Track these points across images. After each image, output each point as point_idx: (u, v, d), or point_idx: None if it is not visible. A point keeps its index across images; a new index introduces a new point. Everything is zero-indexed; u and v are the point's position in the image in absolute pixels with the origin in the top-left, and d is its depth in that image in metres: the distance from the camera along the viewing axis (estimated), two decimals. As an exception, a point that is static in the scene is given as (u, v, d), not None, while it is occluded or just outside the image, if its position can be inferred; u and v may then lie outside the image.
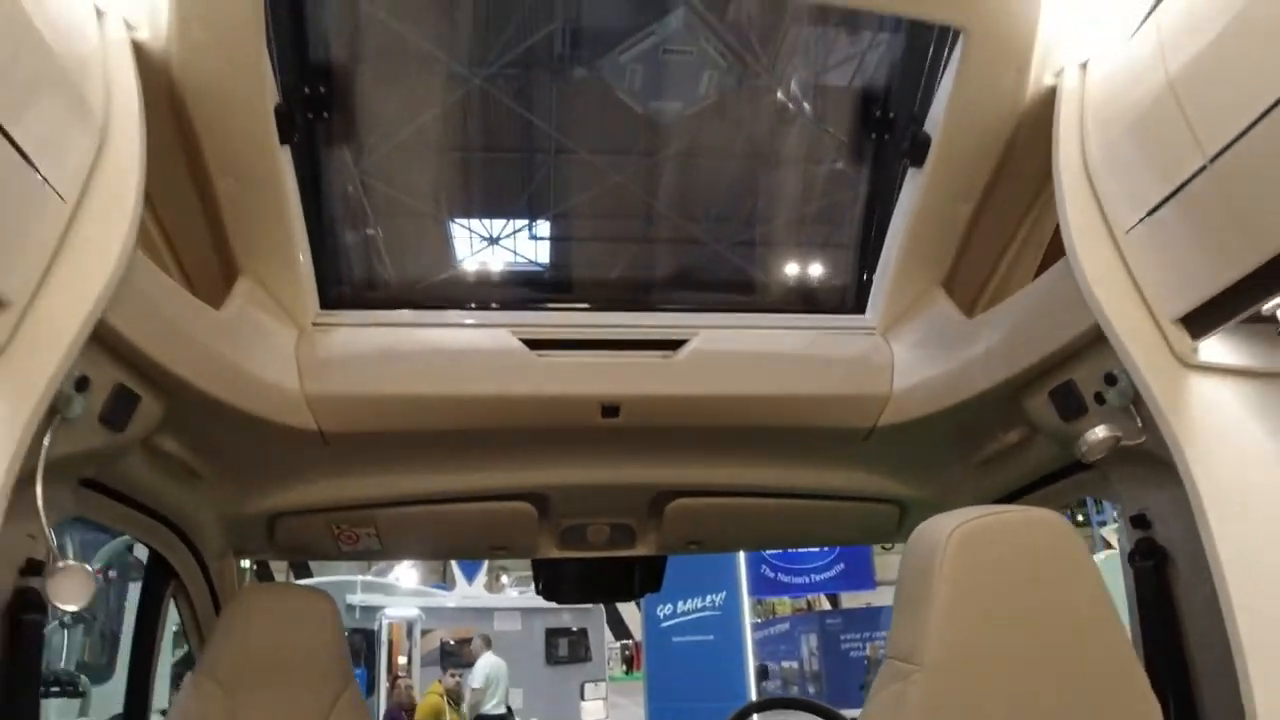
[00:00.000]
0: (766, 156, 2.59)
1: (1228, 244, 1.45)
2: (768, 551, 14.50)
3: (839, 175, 2.56)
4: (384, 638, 13.25)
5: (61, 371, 1.33)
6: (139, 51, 1.68)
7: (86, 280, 1.40)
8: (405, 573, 16.36)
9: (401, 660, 13.10)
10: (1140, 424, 1.63)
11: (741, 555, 11.27)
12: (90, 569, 1.42)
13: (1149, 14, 1.66)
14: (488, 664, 11.77)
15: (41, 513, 1.38)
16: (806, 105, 2.52)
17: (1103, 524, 12.19)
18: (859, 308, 2.43)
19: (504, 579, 19.48)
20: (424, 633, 14.12)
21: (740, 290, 2.59)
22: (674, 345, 2.16)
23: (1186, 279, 1.54)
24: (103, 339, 1.48)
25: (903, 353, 2.24)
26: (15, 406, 1.27)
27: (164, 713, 3.08)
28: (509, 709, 11.77)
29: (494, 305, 2.45)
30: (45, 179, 1.36)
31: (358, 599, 13.13)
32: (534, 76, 2.38)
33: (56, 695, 4.90)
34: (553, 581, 2.80)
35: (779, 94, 2.50)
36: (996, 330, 1.98)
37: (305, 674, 2.16)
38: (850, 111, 2.42)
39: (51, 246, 1.39)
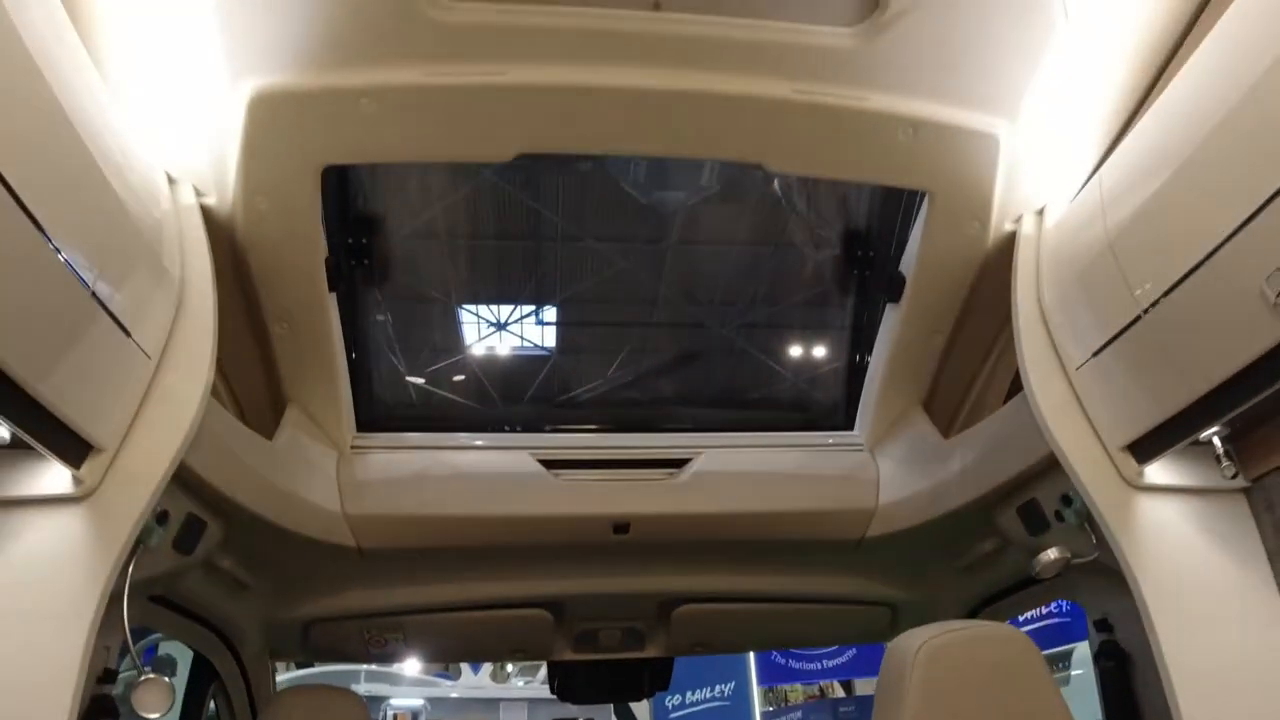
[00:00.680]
0: (762, 285, 2.86)
1: (1164, 382, 1.65)
2: (776, 640, 14.40)
3: (829, 302, 2.81)
4: (389, 730, 13.09)
5: (149, 509, 1.53)
6: (207, 215, 1.90)
7: (169, 428, 1.61)
8: (410, 661, 16.21)
9: (406, 754, 12.91)
10: (1094, 540, 1.82)
11: (750, 645, 11.22)
12: (168, 680, 1.60)
13: (1093, 171, 1.91)
14: None
15: (127, 630, 1.57)
16: (799, 238, 2.79)
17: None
18: (849, 423, 2.65)
19: (510, 669, 19.21)
20: (429, 725, 13.93)
21: (738, 407, 2.84)
22: (678, 464, 2.39)
23: (1131, 411, 1.73)
24: (179, 476, 1.67)
25: (888, 469, 2.46)
26: (108, 539, 1.48)
27: None
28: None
29: (515, 427, 2.68)
30: (136, 342, 1.58)
31: (362, 689, 12.99)
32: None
33: None
34: (567, 683, 2.96)
35: (774, 227, 2.78)
36: (969, 452, 2.20)
37: None
38: (837, 246, 2.69)
39: (138, 398, 1.61)
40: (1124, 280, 1.67)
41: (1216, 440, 1.73)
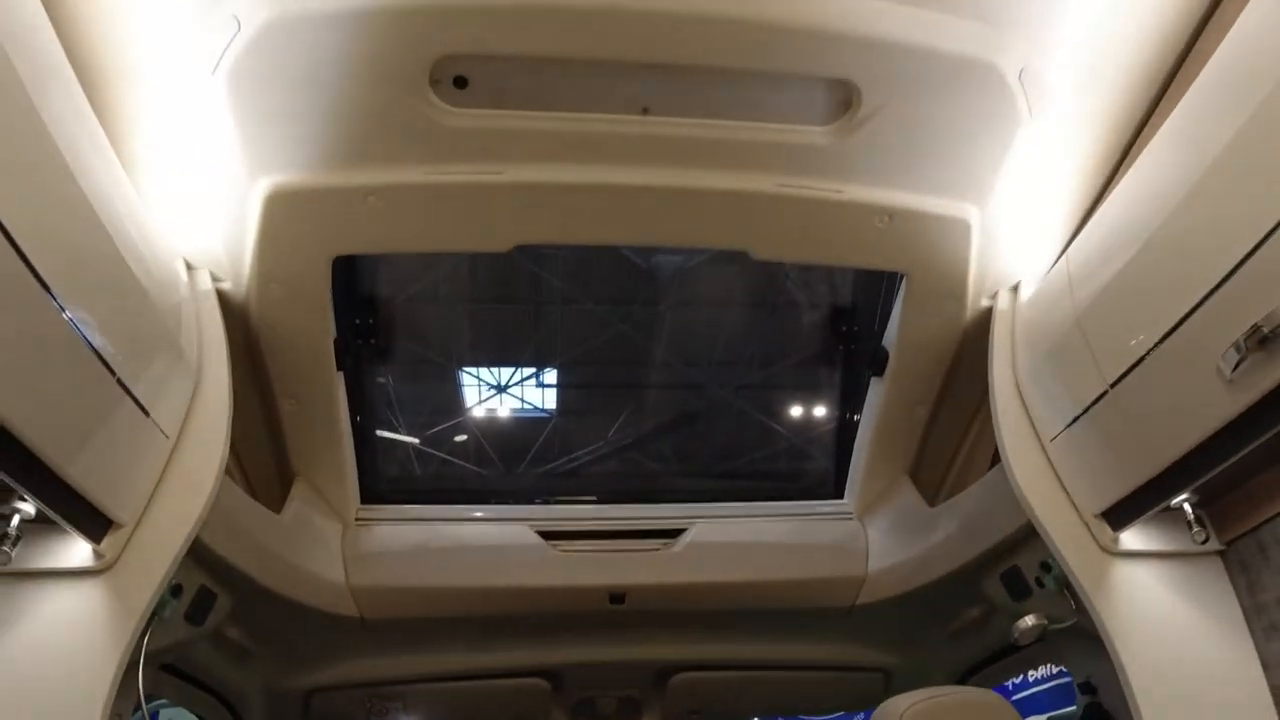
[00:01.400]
0: (755, 351, 2.98)
1: (1133, 452, 1.71)
2: None
3: (819, 373, 2.92)
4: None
5: (165, 582, 1.59)
6: (222, 300, 1.99)
7: (185, 504, 1.68)
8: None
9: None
10: (1073, 605, 1.87)
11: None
12: None
13: (1062, 251, 2.01)
14: None
15: (142, 698, 1.62)
16: (788, 309, 2.91)
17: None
18: (838, 492, 2.72)
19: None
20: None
21: (731, 478, 2.93)
22: (673, 534, 2.47)
23: (1104, 480, 1.79)
24: (194, 550, 1.73)
25: (876, 537, 2.53)
26: (126, 611, 1.53)
27: None
28: None
29: (514, 499, 2.76)
30: (155, 422, 1.66)
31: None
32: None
33: None
34: None
35: (767, 292, 2.90)
36: (953, 521, 2.28)
37: None
38: (823, 322, 2.80)
39: (157, 475, 1.68)
40: (1091, 356, 1.75)
41: (1187, 506, 1.80)
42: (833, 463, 2.79)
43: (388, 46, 1.61)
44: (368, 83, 1.67)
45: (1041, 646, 2.31)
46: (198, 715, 2.42)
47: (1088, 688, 2.04)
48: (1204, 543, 1.80)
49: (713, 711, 2.96)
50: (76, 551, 1.55)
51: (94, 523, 1.53)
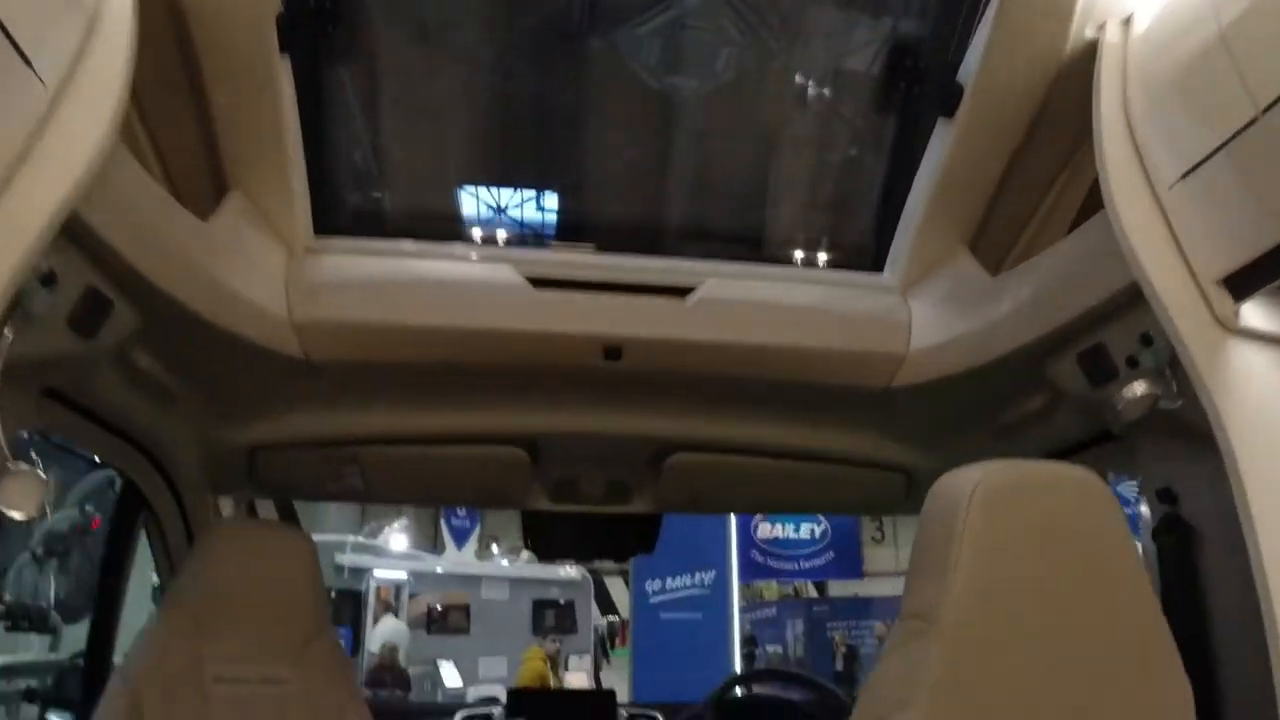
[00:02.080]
0: (788, 104, 2.48)
1: (1276, 201, 1.36)
2: (758, 537, 14.48)
3: (864, 128, 2.45)
4: (370, 600, 13.24)
5: (26, 262, 1.23)
6: None
7: (63, 169, 1.30)
8: (396, 536, 16.35)
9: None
10: (1175, 389, 1.53)
11: (733, 536, 11.24)
12: (42, 475, 1.33)
13: None
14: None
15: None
16: (835, 55, 2.41)
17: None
18: (877, 266, 2.33)
19: (494, 548, 19.50)
20: (411, 596, 14.10)
21: (753, 241, 2.48)
22: (683, 291, 2.07)
23: (1230, 237, 1.43)
24: (76, 236, 1.38)
25: (922, 312, 2.15)
26: None
27: None
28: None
29: (498, 242, 2.35)
30: (26, 58, 1.26)
31: (347, 559, 13.10)
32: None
33: (25, 629, 4.83)
34: (541, 536, 2.72)
35: (806, 42, 2.40)
36: (1024, 288, 1.89)
37: (279, 614, 2.08)
38: (880, 61, 2.32)
39: (28, 131, 1.29)
40: (1238, 76, 1.35)
41: None
42: (873, 232, 2.38)
43: None
44: None
45: (1107, 449, 2.00)
46: (109, 463, 2.11)
47: (1166, 495, 1.72)
48: None
49: (709, 500, 2.67)
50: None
51: None
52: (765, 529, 14.69)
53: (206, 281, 1.73)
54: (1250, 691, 1.34)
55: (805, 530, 15.08)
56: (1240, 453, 1.35)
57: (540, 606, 15.01)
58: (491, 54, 2.34)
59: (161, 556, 2.40)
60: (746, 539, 13.42)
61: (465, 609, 14.33)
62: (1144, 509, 1.83)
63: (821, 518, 14.33)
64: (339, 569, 12.97)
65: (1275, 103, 1.28)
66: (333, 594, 12.94)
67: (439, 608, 14.36)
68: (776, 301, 2.16)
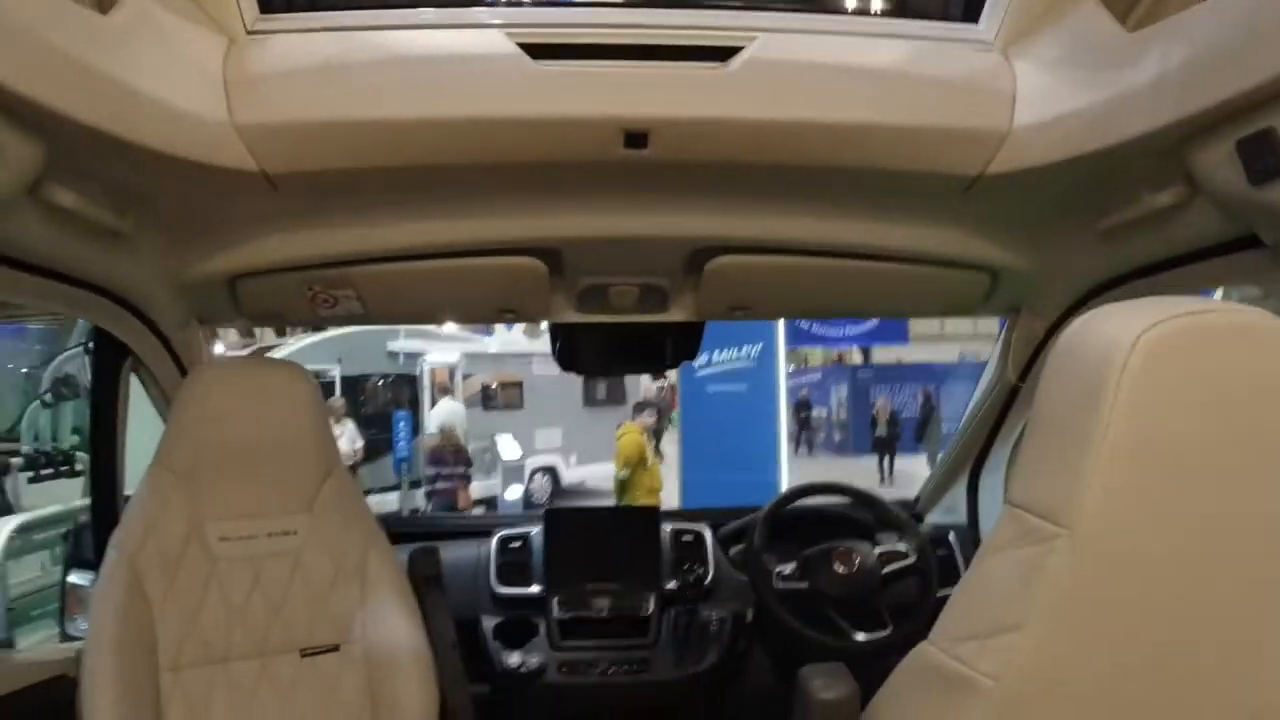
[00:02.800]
0: None
1: None
2: (806, 305, 14.27)
3: None
4: (426, 383, 13.58)
5: None
6: None
7: None
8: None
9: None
10: None
11: (780, 312, 10.96)
12: None
13: None
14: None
15: None
16: None
17: None
18: (970, 15, 1.81)
19: (543, 325, 19.70)
20: (465, 377, 14.43)
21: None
22: (723, 54, 1.59)
23: None
24: None
25: (1030, 76, 1.66)
26: None
27: None
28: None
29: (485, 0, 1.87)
30: None
31: (400, 345, 13.34)
32: None
33: (51, 476, 4.82)
34: (570, 350, 2.43)
35: None
36: (1172, 49, 1.38)
37: (282, 459, 1.87)
38: None
39: None
40: None
41: None
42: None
43: None
44: None
45: (1245, 258, 1.58)
46: (76, 314, 1.84)
47: None
48: None
49: (759, 308, 2.31)
50: None
51: None
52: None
53: (114, 91, 1.34)
54: None
55: (853, 296, 14.88)
56: None
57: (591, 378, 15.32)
58: None
59: (160, 403, 2.18)
60: (794, 310, 13.23)
61: (518, 386, 14.75)
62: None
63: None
64: (393, 355, 13.28)
65: None
66: (390, 379, 13.38)
67: (493, 386, 14.77)
68: (840, 64, 1.68)
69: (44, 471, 4.85)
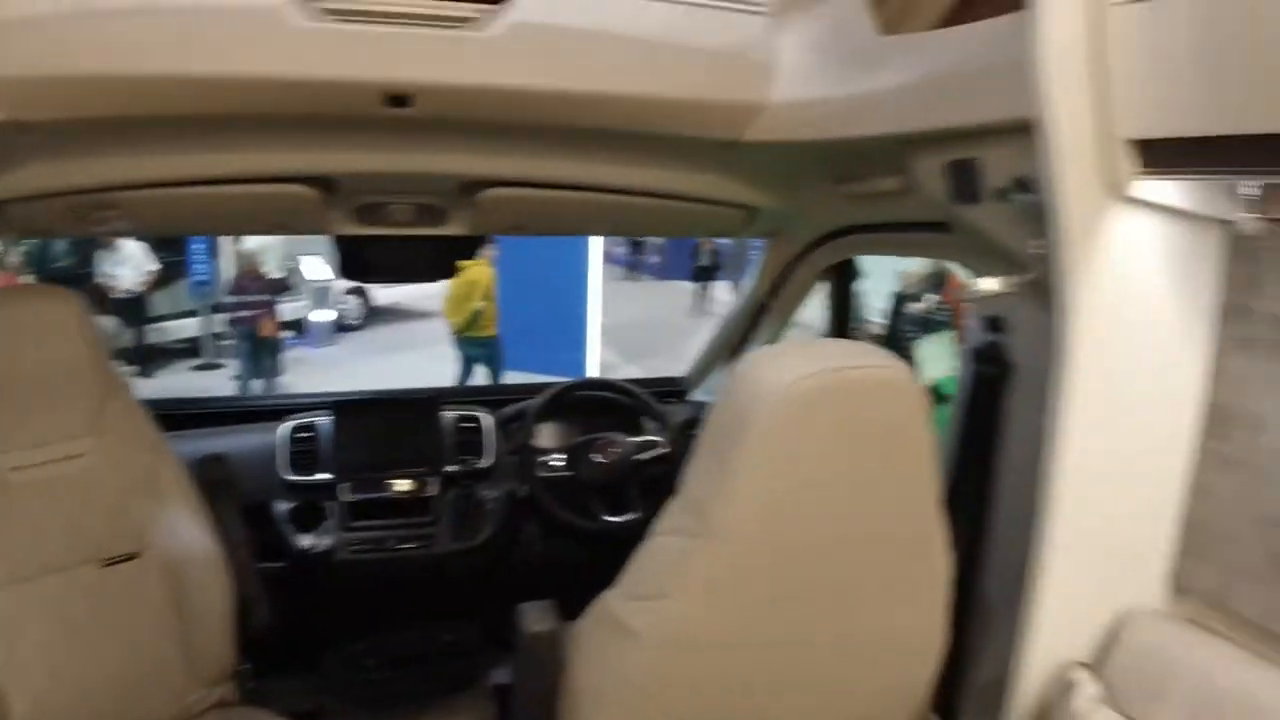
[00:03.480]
0: None
1: (1240, 87, 1.06)
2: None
3: None
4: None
5: None
6: None
7: None
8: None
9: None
10: (1038, 250, 1.36)
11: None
12: None
13: None
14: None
15: None
16: None
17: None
18: None
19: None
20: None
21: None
22: (481, 20, 1.60)
23: (1161, 101, 1.16)
24: None
25: (792, 52, 1.78)
26: None
27: None
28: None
29: None
30: None
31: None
32: None
33: None
34: (353, 258, 2.46)
35: None
36: (912, 64, 1.54)
37: (63, 387, 1.89)
38: None
39: None
40: None
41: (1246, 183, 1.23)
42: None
43: None
44: None
45: (953, 240, 1.88)
46: None
47: (995, 324, 1.66)
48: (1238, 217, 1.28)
49: (535, 228, 2.46)
50: None
51: None
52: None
53: None
54: (1021, 528, 1.44)
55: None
56: (1083, 308, 1.28)
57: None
58: None
59: None
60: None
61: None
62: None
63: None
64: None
65: None
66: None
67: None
68: (603, 31, 1.71)
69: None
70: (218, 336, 11.81)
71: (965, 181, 1.53)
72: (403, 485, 2.66)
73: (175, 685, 1.98)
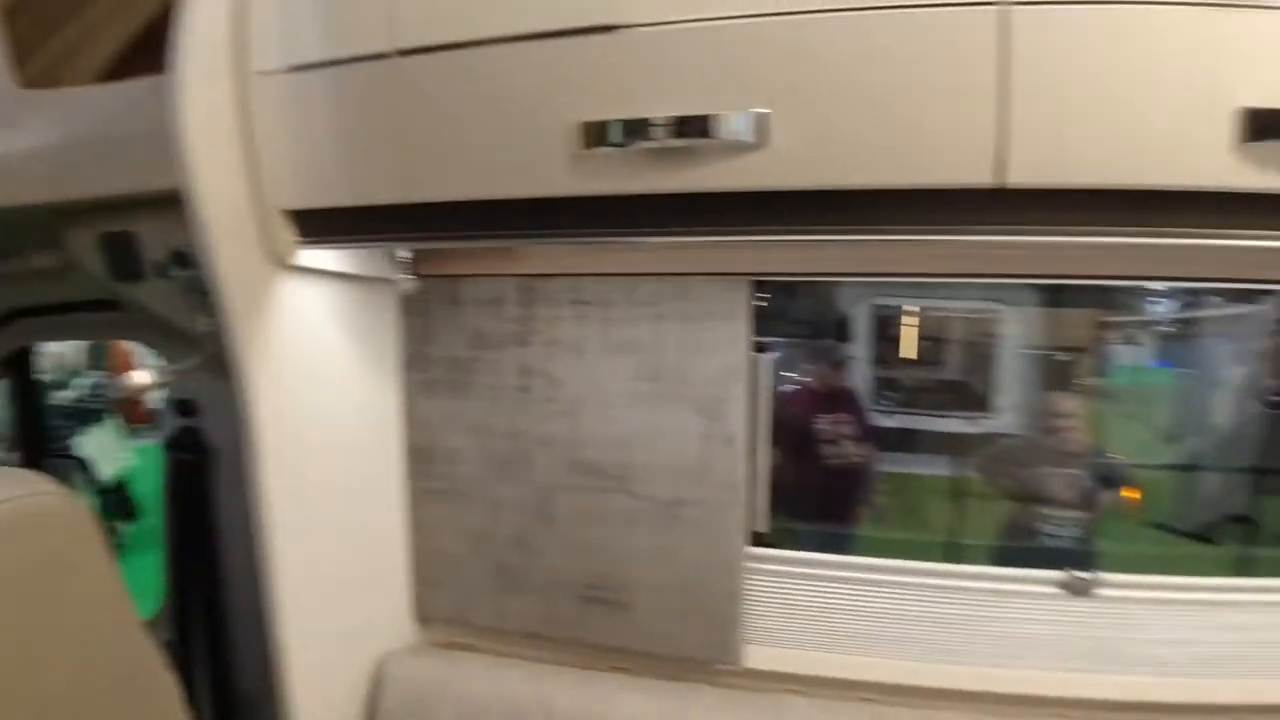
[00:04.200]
0: None
1: (374, 162, 1.16)
2: None
3: None
4: None
5: None
6: None
7: None
8: None
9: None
10: (207, 319, 1.31)
11: None
12: None
13: None
14: None
15: None
16: None
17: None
18: None
19: None
20: None
21: None
22: None
23: (312, 173, 1.20)
24: None
25: None
26: None
27: None
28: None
29: None
30: None
31: None
32: None
33: None
34: None
35: None
36: (61, 125, 1.35)
37: None
38: None
39: None
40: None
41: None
42: None
43: None
44: None
45: (124, 321, 1.67)
46: None
47: (188, 407, 1.54)
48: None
49: None
50: None
51: None
52: None
53: None
54: (260, 615, 1.34)
55: None
56: (260, 380, 1.26)
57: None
58: None
59: None
60: None
61: None
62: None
63: None
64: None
65: (415, 52, 1.07)
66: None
67: None
68: None
69: None
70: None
71: (123, 256, 1.41)
72: None
73: None
